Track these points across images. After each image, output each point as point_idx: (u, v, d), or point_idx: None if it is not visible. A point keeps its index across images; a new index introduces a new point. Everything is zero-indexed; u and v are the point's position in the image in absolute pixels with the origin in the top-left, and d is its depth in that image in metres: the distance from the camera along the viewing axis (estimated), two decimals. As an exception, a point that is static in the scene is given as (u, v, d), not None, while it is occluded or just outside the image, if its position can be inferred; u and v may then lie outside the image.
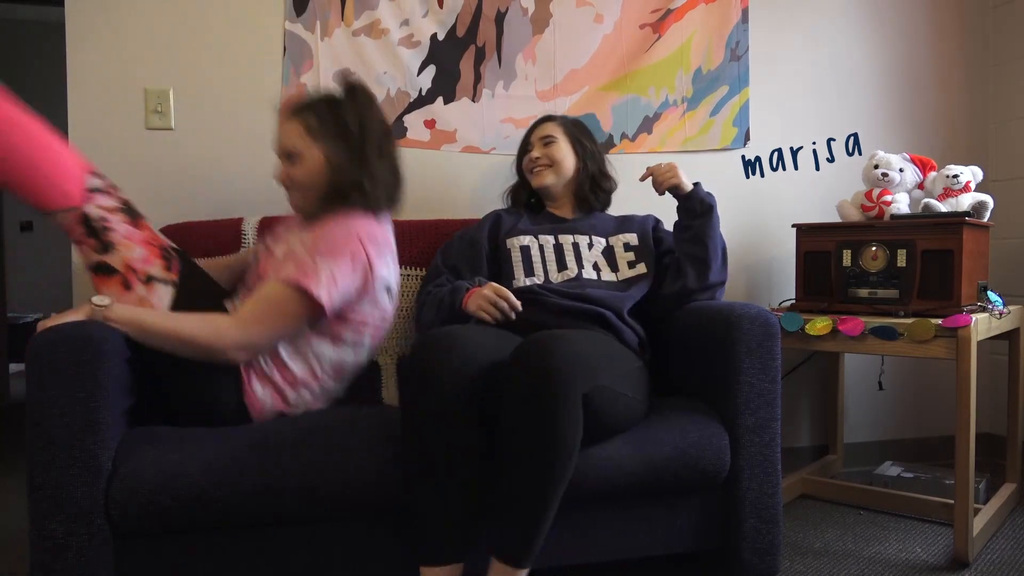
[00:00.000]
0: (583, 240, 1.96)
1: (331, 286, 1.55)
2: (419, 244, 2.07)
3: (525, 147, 2.10)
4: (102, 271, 1.51)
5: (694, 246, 1.87)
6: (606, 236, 1.99)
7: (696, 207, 1.88)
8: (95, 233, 1.50)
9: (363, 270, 1.60)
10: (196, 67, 2.17)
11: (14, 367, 4.45)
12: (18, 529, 2.22)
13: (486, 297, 1.70)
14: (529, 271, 1.91)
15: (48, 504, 1.33)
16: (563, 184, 2.06)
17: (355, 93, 1.70)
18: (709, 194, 1.89)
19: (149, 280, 1.52)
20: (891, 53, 2.78)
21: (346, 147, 1.66)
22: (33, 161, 1.44)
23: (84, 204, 1.49)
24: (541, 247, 1.95)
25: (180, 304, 1.52)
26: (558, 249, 1.95)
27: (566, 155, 2.05)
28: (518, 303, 1.69)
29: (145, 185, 2.13)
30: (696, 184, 1.91)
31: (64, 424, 1.32)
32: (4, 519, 2.34)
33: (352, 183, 1.65)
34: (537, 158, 2.04)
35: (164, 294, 1.52)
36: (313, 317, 1.58)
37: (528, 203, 2.14)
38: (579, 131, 2.09)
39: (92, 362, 1.34)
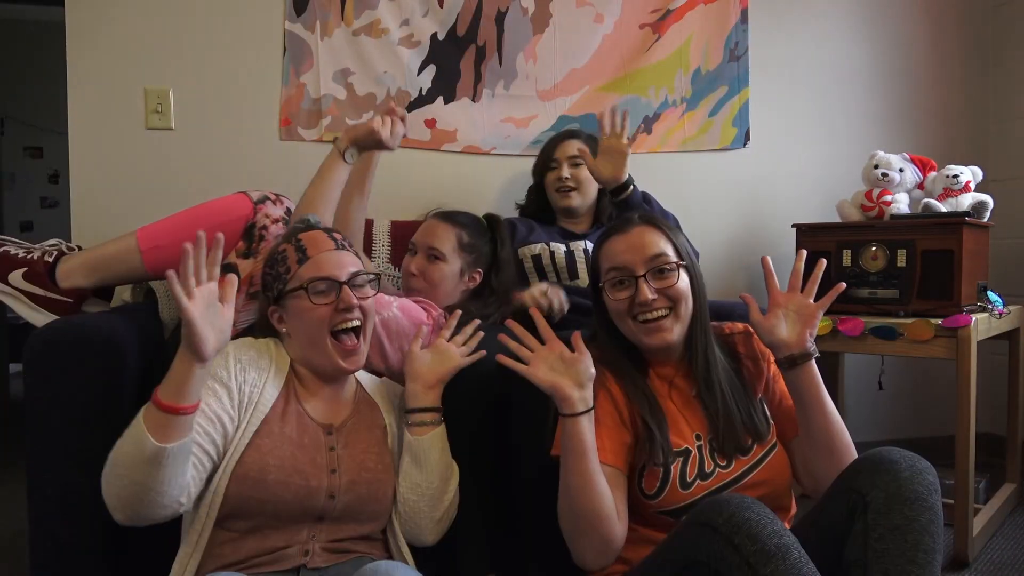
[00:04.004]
0: None
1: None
2: (419, 244, 2.07)
3: (548, 161, 2.08)
4: (225, 272, 1.50)
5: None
6: None
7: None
8: (250, 238, 1.52)
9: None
10: (196, 67, 2.17)
11: (14, 367, 4.45)
12: (18, 529, 2.22)
13: (540, 289, 1.73)
14: (542, 278, 1.95)
15: (48, 504, 1.33)
16: (587, 205, 2.07)
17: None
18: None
19: (253, 296, 1.51)
20: (891, 53, 2.78)
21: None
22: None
23: (256, 215, 1.56)
24: (552, 253, 1.98)
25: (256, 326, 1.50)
26: (569, 256, 1.98)
27: (591, 177, 2.03)
28: (566, 306, 1.73)
29: (145, 185, 2.13)
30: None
31: (64, 424, 1.32)
32: (4, 519, 2.34)
33: None
34: (565, 179, 2.03)
35: (254, 313, 1.49)
36: None
37: (540, 212, 2.14)
38: (594, 145, 2.09)
39: (91, 361, 1.34)
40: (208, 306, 1.08)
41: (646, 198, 2.04)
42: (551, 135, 2.39)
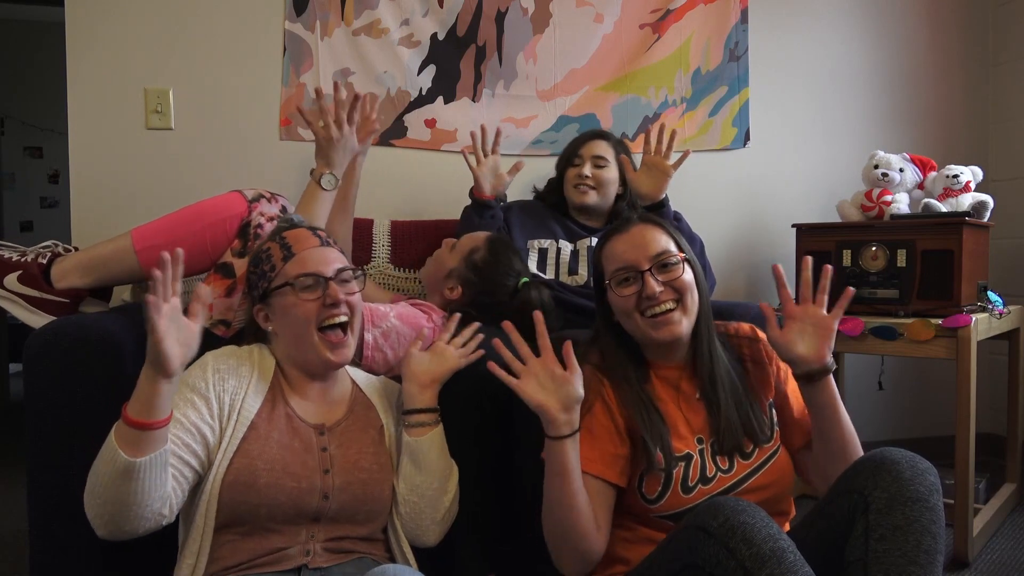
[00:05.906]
0: None
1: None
2: (419, 245, 2.07)
3: (572, 157, 2.08)
4: (221, 271, 1.51)
5: None
6: None
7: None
8: (245, 237, 1.51)
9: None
10: (196, 67, 2.17)
11: (14, 367, 4.45)
12: (18, 529, 2.22)
13: None
14: (543, 269, 1.97)
15: (48, 504, 1.33)
16: (603, 206, 2.07)
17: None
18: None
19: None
20: (891, 53, 2.78)
21: None
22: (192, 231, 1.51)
23: (251, 214, 1.54)
24: (559, 250, 2.00)
25: (244, 330, 1.49)
26: (574, 255, 2.00)
27: (613, 180, 2.04)
28: None
29: (145, 185, 2.13)
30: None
31: (64, 424, 1.32)
32: (4, 519, 2.34)
33: None
34: (586, 176, 2.02)
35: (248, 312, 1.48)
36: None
37: (556, 205, 2.14)
38: (626, 152, 2.10)
39: (91, 361, 1.34)
40: (172, 321, 1.07)
41: (676, 217, 2.04)
42: (552, 135, 2.40)
